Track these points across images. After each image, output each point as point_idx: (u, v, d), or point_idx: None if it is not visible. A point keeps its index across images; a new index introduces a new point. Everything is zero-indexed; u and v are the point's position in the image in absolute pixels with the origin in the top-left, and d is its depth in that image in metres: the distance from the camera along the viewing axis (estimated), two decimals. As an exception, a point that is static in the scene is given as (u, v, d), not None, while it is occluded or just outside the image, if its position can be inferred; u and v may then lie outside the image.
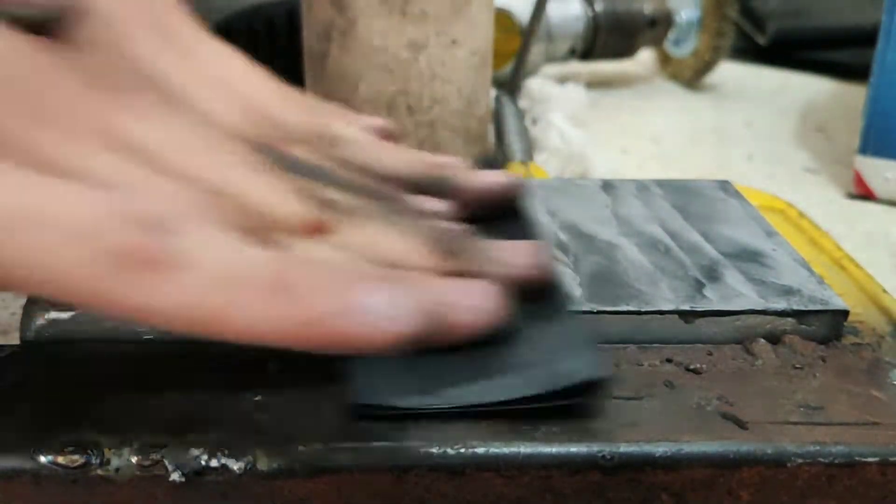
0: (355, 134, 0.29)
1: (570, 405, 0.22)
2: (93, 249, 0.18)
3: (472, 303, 0.22)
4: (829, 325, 0.27)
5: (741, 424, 0.23)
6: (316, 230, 0.23)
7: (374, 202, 0.25)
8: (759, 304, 0.27)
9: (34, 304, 0.26)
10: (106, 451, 0.21)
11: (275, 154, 0.25)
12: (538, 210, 0.33)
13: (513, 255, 0.25)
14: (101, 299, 0.18)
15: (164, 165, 0.22)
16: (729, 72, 0.73)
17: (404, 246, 0.24)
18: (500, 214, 0.29)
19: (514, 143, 0.48)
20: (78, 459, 0.21)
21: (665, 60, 0.74)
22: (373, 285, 0.20)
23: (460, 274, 0.23)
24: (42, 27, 0.23)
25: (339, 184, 0.26)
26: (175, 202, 0.21)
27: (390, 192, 0.27)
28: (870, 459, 0.22)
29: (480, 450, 0.21)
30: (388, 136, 0.31)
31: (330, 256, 0.23)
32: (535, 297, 0.24)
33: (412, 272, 0.23)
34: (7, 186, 0.18)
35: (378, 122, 0.31)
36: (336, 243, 0.23)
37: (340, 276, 0.20)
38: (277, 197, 0.23)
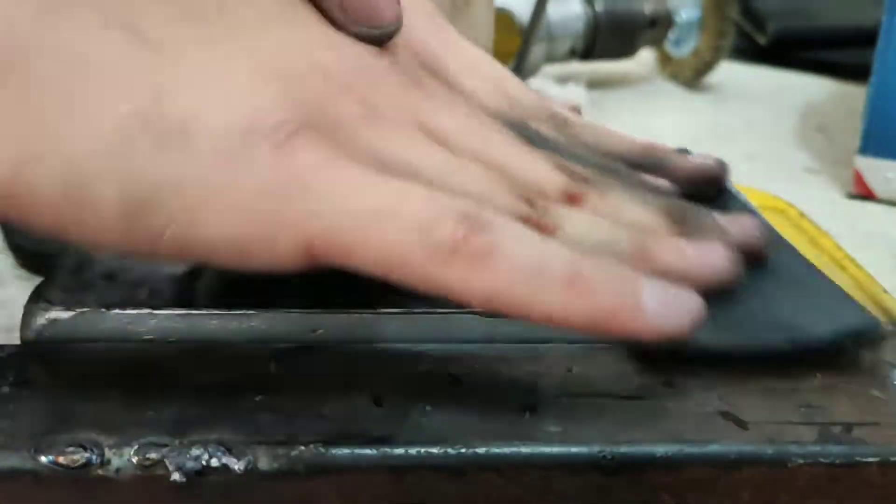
0: (573, 115, 0.33)
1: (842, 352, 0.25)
2: (426, 242, 0.21)
3: (705, 258, 0.25)
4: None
5: (741, 424, 0.23)
6: (572, 199, 0.27)
7: (609, 176, 0.28)
8: (759, 304, 0.27)
9: (34, 304, 0.26)
10: (106, 451, 0.21)
11: (529, 132, 0.29)
12: None
13: (737, 225, 0.28)
14: (429, 283, 0.22)
15: (461, 149, 0.26)
16: (729, 72, 0.73)
17: (643, 213, 0.27)
18: (707, 194, 0.32)
19: (515, 143, 0.48)
20: (78, 459, 0.21)
21: (665, 60, 0.74)
22: (654, 287, 0.22)
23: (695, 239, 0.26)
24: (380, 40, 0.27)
25: (580, 159, 0.29)
26: (466, 181, 0.24)
27: (620, 167, 0.30)
28: (870, 459, 0.22)
29: (481, 450, 0.21)
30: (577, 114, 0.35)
31: (593, 224, 0.26)
32: (776, 262, 0.28)
33: (656, 234, 0.26)
34: (357, 183, 0.22)
35: (572, 103, 0.36)
36: (592, 210, 0.26)
37: (629, 277, 0.23)
38: (541, 170, 0.27)
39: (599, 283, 0.22)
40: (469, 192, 0.24)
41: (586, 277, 0.22)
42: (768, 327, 0.25)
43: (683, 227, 0.27)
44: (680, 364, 0.24)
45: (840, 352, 0.25)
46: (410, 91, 0.26)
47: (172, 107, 0.21)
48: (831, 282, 0.27)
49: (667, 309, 0.22)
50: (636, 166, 0.31)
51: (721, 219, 0.28)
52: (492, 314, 0.25)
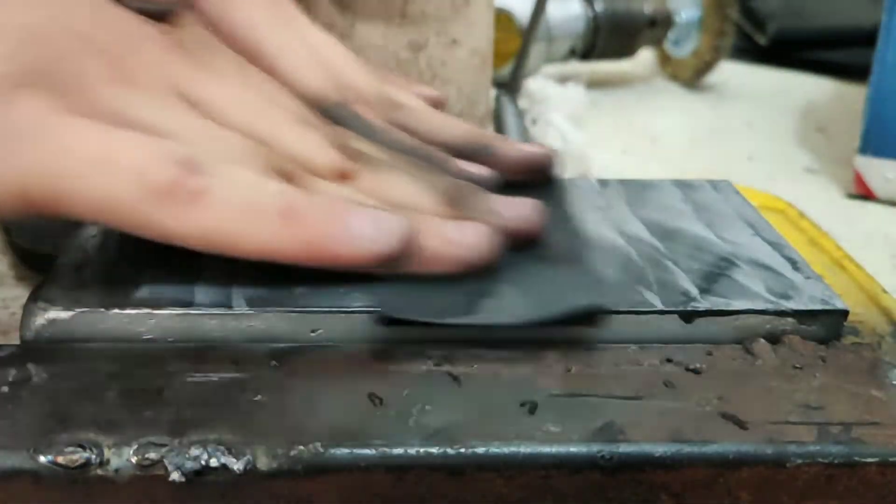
0: (414, 101, 0.35)
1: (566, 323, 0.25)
2: (140, 185, 0.23)
3: (463, 239, 0.27)
4: (829, 325, 0.27)
5: (741, 424, 0.23)
6: (341, 176, 0.28)
7: (405, 158, 0.30)
8: (758, 303, 0.27)
9: (34, 304, 0.25)
10: (106, 451, 0.21)
11: (340, 112, 0.31)
12: None
13: (511, 208, 0.29)
14: (143, 226, 0.23)
15: (223, 118, 0.27)
16: (729, 72, 0.73)
17: (414, 193, 0.28)
18: (536, 182, 0.33)
19: (514, 143, 0.48)
20: (77, 459, 0.21)
21: (665, 60, 0.74)
22: (361, 212, 0.25)
23: (462, 220, 0.27)
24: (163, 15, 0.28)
25: (381, 140, 0.30)
26: (216, 146, 0.25)
27: (433, 151, 0.31)
28: (869, 459, 0.22)
29: (480, 450, 0.21)
30: (437, 104, 0.36)
31: (345, 195, 0.27)
32: (551, 243, 0.29)
33: (423, 215, 0.27)
34: (78, 134, 0.23)
35: (431, 92, 0.37)
36: (358, 186, 0.28)
37: (338, 206, 0.25)
38: (312, 146, 0.28)
39: (310, 214, 0.24)
40: (216, 159, 0.25)
41: (297, 210, 0.24)
42: (498, 305, 0.26)
43: (457, 208, 0.28)
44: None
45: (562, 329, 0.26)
46: (178, 62, 0.27)
47: None
48: (587, 263, 0.28)
49: (375, 231, 0.25)
50: (461, 154, 0.32)
51: (499, 201, 0.29)
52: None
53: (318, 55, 0.32)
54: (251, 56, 0.30)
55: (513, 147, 0.33)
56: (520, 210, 0.29)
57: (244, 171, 0.25)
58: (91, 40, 0.26)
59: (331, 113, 0.31)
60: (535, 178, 0.33)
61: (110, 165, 0.23)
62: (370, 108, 0.32)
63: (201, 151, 0.24)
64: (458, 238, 0.26)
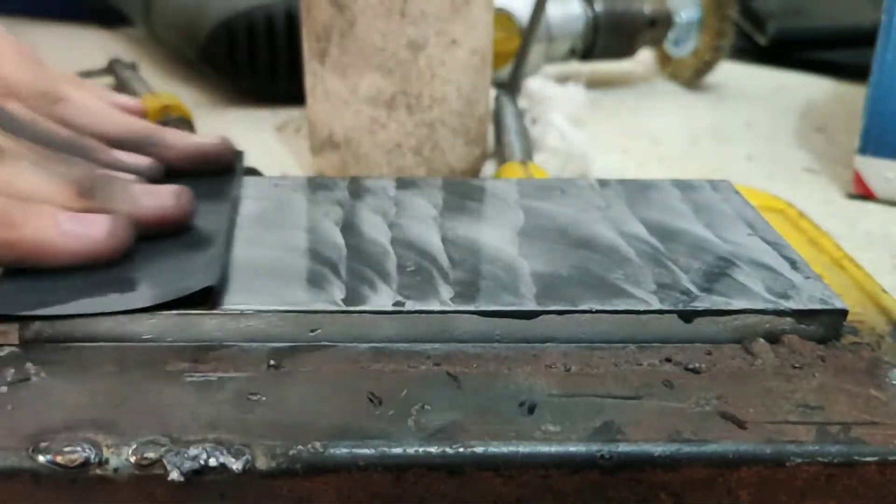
0: (82, 98, 0.35)
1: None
2: None
3: (83, 230, 0.27)
4: (829, 325, 0.27)
5: (740, 424, 0.23)
6: None
7: (45, 149, 0.30)
8: (758, 303, 0.27)
9: (34, 304, 0.26)
10: (105, 450, 0.21)
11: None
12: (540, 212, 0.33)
13: (150, 196, 0.29)
14: None
15: None
16: (729, 72, 0.72)
17: (41, 184, 0.28)
18: (208, 178, 0.33)
19: (514, 143, 0.48)
20: (76, 459, 0.21)
21: (665, 60, 0.74)
22: (64, 214, 0.26)
23: (94, 212, 0.28)
24: None
25: (23, 131, 0.30)
26: None
27: (85, 142, 0.32)
28: (869, 459, 0.22)
29: (480, 449, 0.21)
30: (136, 112, 0.37)
31: None
32: (194, 231, 0.30)
33: (38, 205, 0.27)
34: None
35: (127, 100, 0.38)
36: None
37: (44, 209, 0.26)
38: None
39: (23, 219, 0.26)
40: None
41: (11, 214, 0.25)
42: (112, 292, 0.26)
43: (89, 199, 0.28)
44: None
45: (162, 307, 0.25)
46: None
47: None
48: (219, 247, 0.29)
49: (80, 229, 0.26)
50: (120, 145, 0.33)
51: (139, 190, 0.29)
52: (490, 315, 0.26)
53: None
54: None
55: (181, 138, 0.34)
56: (161, 199, 0.29)
57: None
58: None
59: None
60: (208, 169, 0.34)
61: None
62: (22, 101, 0.32)
63: None
64: (76, 230, 0.27)
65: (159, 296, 0.26)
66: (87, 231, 0.27)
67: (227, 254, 0.29)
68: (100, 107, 0.35)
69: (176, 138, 0.34)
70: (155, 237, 0.29)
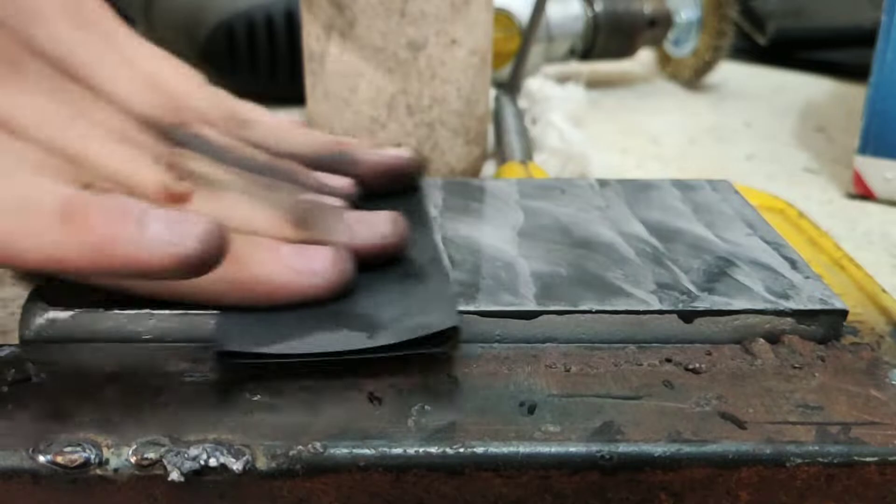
0: (264, 117, 0.32)
1: (423, 353, 0.24)
2: None
3: (307, 265, 0.25)
4: (829, 325, 0.27)
5: (740, 424, 0.23)
6: (173, 198, 0.25)
7: (252, 177, 0.28)
8: (758, 303, 0.27)
9: (34, 304, 0.26)
10: (105, 451, 0.21)
11: (178, 133, 0.28)
12: (541, 211, 0.33)
13: (367, 225, 0.27)
14: None
15: (24, 132, 0.24)
16: (729, 72, 0.73)
17: (257, 215, 0.26)
18: (398, 190, 0.31)
19: (514, 143, 0.48)
20: (76, 459, 0.21)
21: (665, 60, 0.74)
22: (155, 210, 0.21)
23: (311, 242, 0.26)
24: None
25: (226, 159, 0.28)
26: (5, 160, 0.23)
27: (287, 166, 0.29)
28: (868, 459, 0.22)
29: (480, 450, 0.21)
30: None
31: None
32: (405, 261, 0.27)
33: (259, 238, 0.25)
34: None
35: (293, 118, 0.35)
36: (190, 209, 0.25)
37: (129, 204, 0.22)
38: (135, 166, 0.25)
39: (95, 214, 0.21)
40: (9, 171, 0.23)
41: (79, 209, 0.21)
42: (345, 330, 0.24)
43: (305, 229, 0.26)
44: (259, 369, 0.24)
45: (417, 353, 0.24)
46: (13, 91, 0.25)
47: None
48: (443, 279, 0.27)
49: (170, 232, 0.21)
50: (318, 166, 0.30)
51: (354, 217, 0.27)
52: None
53: (146, 73, 0.29)
54: (68, 75, 0.27)
55: (372, 153, 0.32)
56: (378, 227, 0.27)
57: (18, 171, 0.22)
58: None
59: (170, 136, 0.28)
60: (397, 185, 0.32)
61: None
62: (213, 127, 0.30)
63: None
64: (300, 265, 0.25)
65: (401, 335, 0.24)
66: (312, 265, 0.25)
67: (450, 282, 0.27)
68: (284, 126, 0.32)
69: (368, 155, 0.31)
70: (367, 267, 0.27)
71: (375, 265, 0.27)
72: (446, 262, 0.28)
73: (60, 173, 0.23)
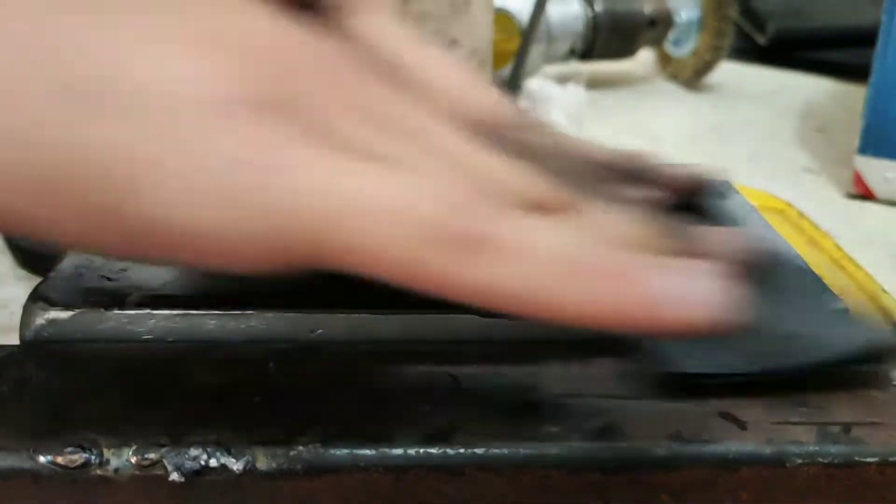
0: (532, 118, 0.30)
1: (862, 371, 0.23)
2: (420, 233, 0.19)
3: (711, 286, 0.21)
4: (829, 325, 0.27)
5: (740, 424, 0.23)
6: (554, 210, 0.23)
7: (594, 187, 0.26)
8: (758, 304, 0.27)
9: (34, 304, 0.26)
10: (105, 451, 0.21)
11: (506, 141, 0.26)
12: None
13: (729, 239, 0.24)
14: (437, 280, 0.19)
15: (436, 149, 0.22)
16: (729, 72, 0.73)
17: (637, 230, 0.23)
18: (687, 205, 0.30)
19: (514, 143, 0.48)
20: (77, 459, 0.21)
21: (665, 60, 0.74)
22: (675, 270, 0.20)
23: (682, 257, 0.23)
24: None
25: (559, 168, 0.25)
26: (464, 185, 0.21)
27: (606, 178, 0.28)
28: (869, 459, 0.22)
29: (480, 450, 0.21)
30: None
31: (578, 235, 0.22)
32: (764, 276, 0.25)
33: (649, 257, 0.22)
34: (349, 177, 0.19)
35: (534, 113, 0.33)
36: (578, 223, 0.23)
37: (643, 261, 0.20)
38: (526, 178, 0.23)
39: (640, 272, 0.20)
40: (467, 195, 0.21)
41: (624, 268, 0.20)
42: (777, 348, 0.24)
43: (679, 242, 0.24)
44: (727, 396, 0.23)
45: (857, 370, 0.24)
46: (373, 84, 0.22)
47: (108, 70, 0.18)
48: (833, 294, 0.26)
49: (690, 296, 0.20)
50: (622, 177, 0.28)
51: (710, 233, 0.25)
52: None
53: (452, 73, 0.28)
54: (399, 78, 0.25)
55: (668, 166, 0.29)
56: (737, 240, 0.24)
57: (537, 218, 0.21)
58: (293, 58, 0.20)
59: (500, 139, 0.25)
60: (691, 198, 0.29)
61: (399, 216, 0.19)
62: (520, 132, 0.27)
63: (467, 190, 0.20)
64: (707, 287, 0.20)
65: (847, 349, 0.23)
66: (720, 290, 0.21)
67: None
68: (574, 136, 0.30)
69: (665, 168, 0.29)
70: None
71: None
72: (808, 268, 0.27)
73: (507, 196, 0.21)
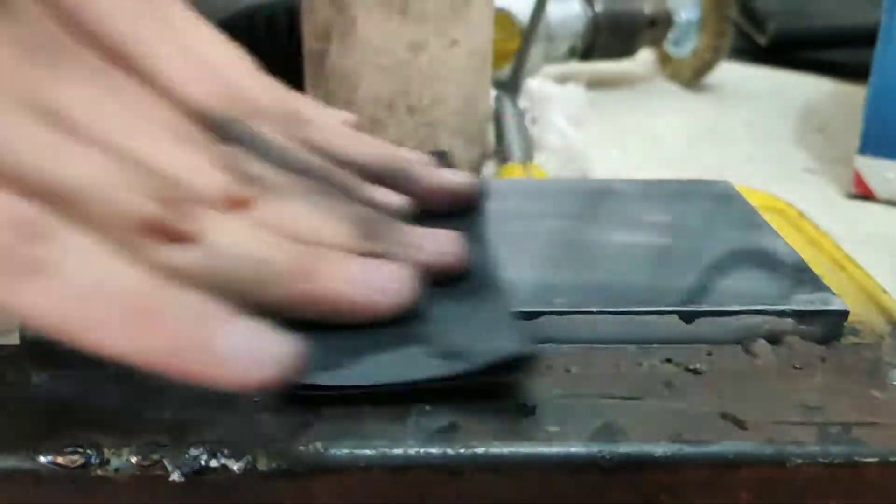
0: (327, 120, 0.30)
1: (495, 382, 0.23)
2: None
3: (382, 282, 0.24)
4: (829, 326, 0.27)
5: (741, 425, 0.23)
6: (236, 203, 0.24)
7: (310, 182, 0.26)
8: (758, 304, 0.27)
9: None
10: (106, 451, 0.21)
11: (232, 127, 0.26)
12: (536, 211, 0.33)
13: (431, 241, 0.26)
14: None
15: (92, 137, 0.22)
16: (729, 72, 0.73)
17: (324, 225, 0.25)
18: (456, 214, 0.30)
19: (514, 143, 0.48)
20: (78, 459, 0.21)
21: (665, 60, 0.74)
22: (238, 327, 0.20)
23: (377, 256, 0.25)
24: None
25: (282, 161, 0.26)
26: (97, 180, 0.21)
27: (342, 175, 0.28)
28: (870, 459, 0.22)
29: (480, 450, 0.21)
30: (358, 130, 0.32)
31: (249, 235, 0.23)
32: (464, 280, 0.26)
33: (328, 251, 0.24)
34: None
35: (350, 116, 0.32)
36: (255, 217, 0.24)
37: (209, 312, 0.20)
38: (199, 168, 0.24)
39: (173, 318, 0.20)
40: (78, 185, 0.21)
41: (159, 309, 0.20)
42: (416, 356, 0.23)
43: (373, 241, 0.25)
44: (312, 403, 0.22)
45: (486, 381, 0.23)
46: (33, 67, 0.22)
47: None
48: (504, 302, 0.25)
49: (247, 355, 0.20)
50: (376, 179, 0.29)
51: (417, 234, 0.26)
52: None
53: (203, 59, 0.27)
54: (117, 59, 0.25)
55: (433, 174, 0.30)
56: (440, 244, 0.26)
57: (91, 243, 0.20)
58: None
59: (221, 130, 0.26)
60: (454, 207, 0.30)
61: None
62: (270, 123, 0.28)
63: (74, 188, 0.21)
64: (373, 281, 0.24)
65: (476, 360, 0.22)
66: (384, 282, 0.24)
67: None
68: (341, 130, 0.30)
69: (425, 175, 0.30)
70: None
71: (435, 284, 0.25)
72: (504, 284, 0.27)
73: (135, 186, 0.22)
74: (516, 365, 0.23)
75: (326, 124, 0.30)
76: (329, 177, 0.27)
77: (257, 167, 0.25)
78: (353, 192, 0.27)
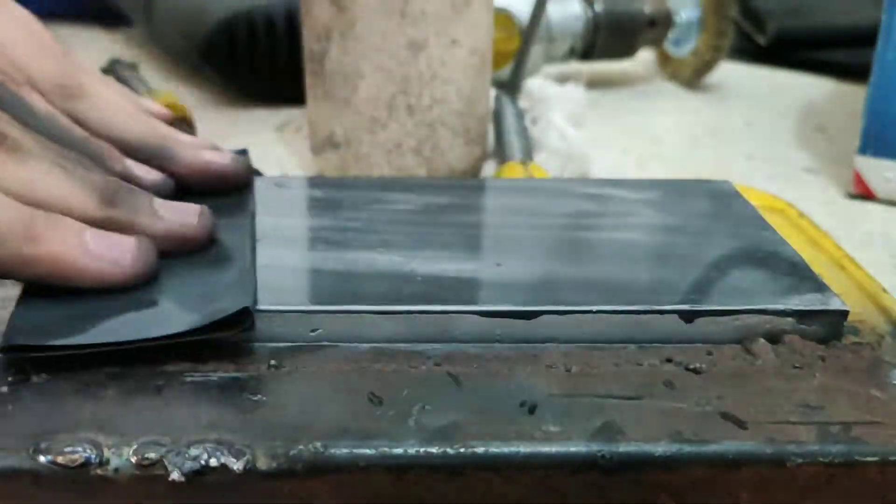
0: (104, 94, 0.32)
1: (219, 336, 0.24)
2: None
3: (108, 252, 0.25)
4: (829, 325, 0.27)
5: (741, 424, 0.23)
6: None
7: (62, 149, 0.27)
8: (758, 303, 0.27)
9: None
10: (105, 451, 0.21)
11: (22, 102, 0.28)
12: (534, 211, 0.33)
13: (173, 212, 0.28)
14: None
15: None
16: (729, 72, 0.72)
17: (64, 189, 0.26)
18: (223, 194, 0.32)
19: (514, 143, 0.48)
20: (77, 459, 0.21)
21: (665, 60, 0.74)
22: (92, 233, 0.24)
23: (116, 224, 0.26)
24: None
25: (39, 127, 0.28)
26: None
27: (100, 147, 0.30)
28: (869, 459, 0.22)
29: (480, 450, 0.21)
30: (166, 119, 0.34)
31: None
32: (211, 251, 0.28)
33: (62, 217, 0.25)
34: None
35: (151, 104, 0.35)
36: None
37: (71, 224, 0.24)
38: None
39: (46, 233, 0.24)
40: None
41: (34, 226, 0.24)
42: (140, 318, 0.25)
43: (107, 207, 0.27)
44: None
45: (202, 339, 0.24)
46: None
47: None
48: (247, 269, 0.27)
49: (107, 251, 0.25)
50: (135, 153, 0.31)
51: (160, 205, 0.28)
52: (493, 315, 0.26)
53: None
54: None
55: (192, 153, 0.32)
56: (184, 216, 0.28)
57: None
58: None
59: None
60: (219, 186, 0.32)
61: None
62: (39, 92, 0.30)
63: None
64: (102, 251, 0.25)
65: (194, 321, 0.24)
66: (113, 254, 0.25)
67: (254, 271, 0.27)
68: (119, 107, 0.32)
69: (187, 154, 0.32)
70: (173, 255, 0.27)
71: (182, 255, 0.27)
72: (253, 255, 0.28)
73: None
74: (234, 321, 0.24)
75: (107, 100, 0.32)
76: (85, 147, 0.29)
77: (8, 127, 0.26)
78: (109, 163, 0.29)
